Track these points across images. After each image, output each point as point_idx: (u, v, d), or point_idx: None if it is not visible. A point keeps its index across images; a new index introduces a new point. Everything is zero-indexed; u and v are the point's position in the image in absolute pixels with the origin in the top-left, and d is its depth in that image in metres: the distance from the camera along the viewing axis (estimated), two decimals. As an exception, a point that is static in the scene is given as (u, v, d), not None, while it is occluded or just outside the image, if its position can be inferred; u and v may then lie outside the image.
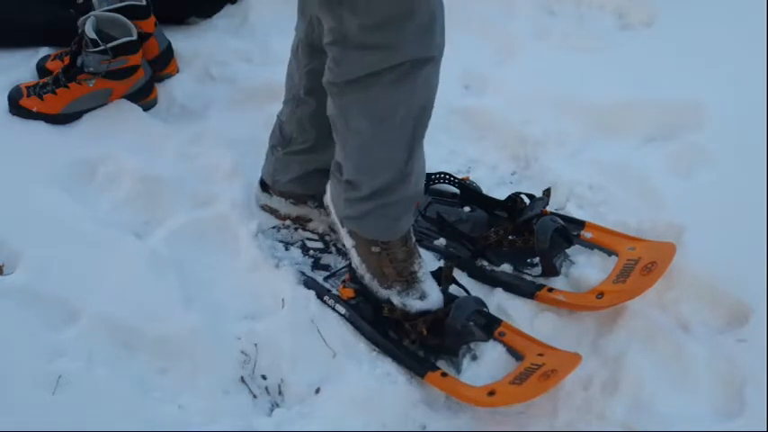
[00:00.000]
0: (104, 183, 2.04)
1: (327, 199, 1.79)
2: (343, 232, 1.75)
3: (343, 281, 1.76)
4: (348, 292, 1.73)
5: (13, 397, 1.53)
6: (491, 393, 1.53)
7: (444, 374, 1.60)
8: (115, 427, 1.51)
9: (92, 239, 1.85)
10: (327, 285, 1.80)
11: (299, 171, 1.88)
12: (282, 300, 1.75)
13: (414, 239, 1.73)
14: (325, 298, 1.76)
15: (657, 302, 1.70)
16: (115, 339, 1.66)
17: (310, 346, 1.67)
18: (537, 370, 1.55)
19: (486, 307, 1.70)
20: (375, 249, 1.69)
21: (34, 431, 1.48)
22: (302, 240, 1.92)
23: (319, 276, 1.82)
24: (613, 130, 2.17)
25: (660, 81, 2.26)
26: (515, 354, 1.63)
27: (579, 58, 2.40)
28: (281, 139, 1.89)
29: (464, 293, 1.72)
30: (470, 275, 1.82)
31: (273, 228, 1.94)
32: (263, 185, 1.96)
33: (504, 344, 1.64)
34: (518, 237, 1.82)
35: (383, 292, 1.69)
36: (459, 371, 1.62)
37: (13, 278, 1.75)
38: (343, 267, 1.82)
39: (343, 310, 1.73)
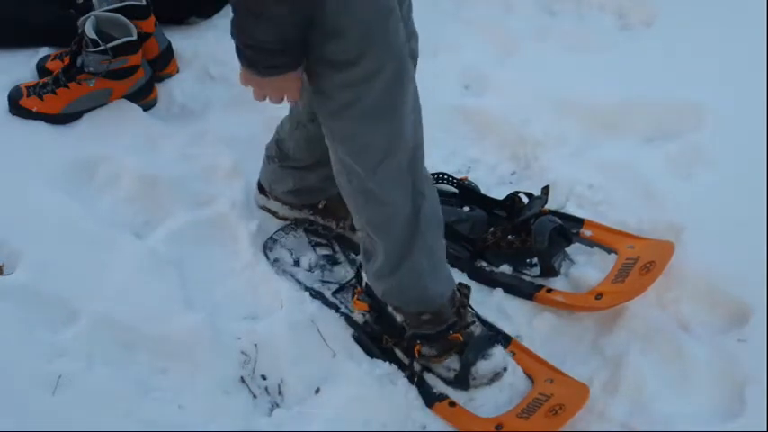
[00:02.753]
0: (104, 183, 2.04)
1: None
2: (390, 311, 1.65)
3: (356, 291, 1.72)
4: (362, 306, 1.69)
5: (13, 397, 1.53)
6: (498, 427, 1.52)
7: (452, 404, 1.58)
8: (115, 427, 1.51)
9: (92, 239, 1.85)
10: (336, 301, 1.78)
11: (293, 185, 1.88)
12: (281, 299, 1.75)
13: (460, 294, 1.65)
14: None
15: (657, 302, 1.70)
16: (115, 339, 1.66)
17: (310, 346, 1.67)
18: (545, 403, 1.54)
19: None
20: (426, 317, 1.61)
21: (34, 431, 1.48)
22: (311, 246, 1.90)
23: (327, 290, 1.80)
24: (613, 130, 2.17)
25: (660, 81, 2.26)
26: (525, 375, 1.62)
27: (579, 58, 2.40)
28: (277, 152, 1.87)
29: (479, 322, 1.68)
30: (470, 276, 1.82)
31: (280, 230, 1.92)
32: (261, 188, 1.96)
33: (515, 364, 1.63)
34: (516, 237, 1.82)
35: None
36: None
37: (13, 278, 1.75)
38: (351, 279, 1.79)
39: (351, 330, 1.71)
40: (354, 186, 1.52)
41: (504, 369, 1.60)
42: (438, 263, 1.61)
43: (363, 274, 1.68)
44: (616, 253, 1.80)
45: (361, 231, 1.60)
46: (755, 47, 2.30)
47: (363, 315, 1.70)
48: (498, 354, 1.60)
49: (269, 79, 1.47)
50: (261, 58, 1.43)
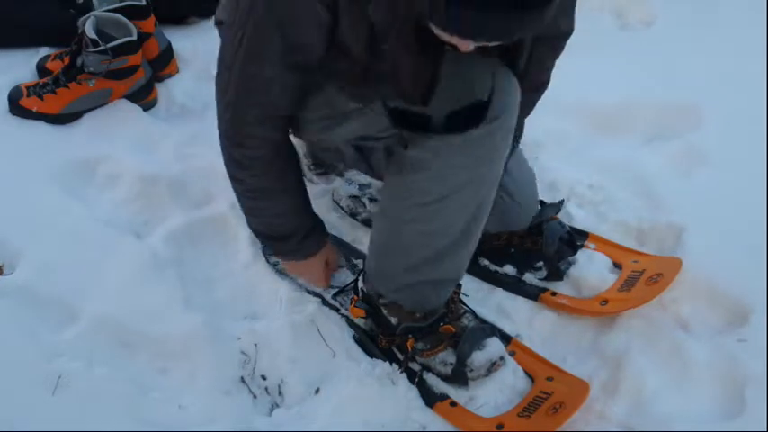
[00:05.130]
0: (104, 183, 2.04)
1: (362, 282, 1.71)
2: (384, 313, 1.65)
3: (352, 299, 1.72)
4: (359, 312, 1.69)
5: (13, 397, 1.53)
6: (499, 426, 1.52)
7: (453, 404, 1.58)
8: (115, 427, 1.51)
9: (92, 239, 1.85)
10: (336, 303, 1.77)
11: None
12: (281, 299, 1.75)
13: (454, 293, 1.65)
14: None
15: (657, 302, 1.70)
16: (115, 339, 1.66)
17: (310, 346, 1.67)
18: (545, 401, 1.54)
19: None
20: (419, 315, 1.62)
21: (34, 431, 1.48)
22: None
23: (327, 294, 1.79)
24: (613, 130, 2.17)
25: (660, 81, 2.26)
26: (525, 374, 1.62)
27: (579, 58, 2.39)
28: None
29: (472, 315, 1.68)
30: (470, 273, 1.81)
31: None
32: None
33: (515, 363, 1.63)
34: (526, 239, 1.81)
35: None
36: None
37: (13, 278, 1.75)
38: (351, 282, 1.78)
39: (351, 331, 1.71)
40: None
41: (501, 359, 1.59)
42: (453, 279, 1.63)
43: (360, 279, 1.69)
44: (620, 267, 1.79)
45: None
46: (755, 47, 2.30)
47: (362, 321, 1.70)
48: (493, 344, 1.59)
49: (293, 263, 1.72)
50: (269, 245, 1.71)
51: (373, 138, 1.53)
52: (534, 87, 1.66)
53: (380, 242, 1.61)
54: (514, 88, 1.45)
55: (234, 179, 1.60)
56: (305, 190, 1.64)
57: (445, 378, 1.61)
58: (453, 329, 1.61)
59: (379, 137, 1.52)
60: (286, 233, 1.64)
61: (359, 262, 1.82)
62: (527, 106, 1.68)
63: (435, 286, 1.60)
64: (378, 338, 1.67)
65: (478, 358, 1.57)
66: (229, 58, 1.46)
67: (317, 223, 1.69)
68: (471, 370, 1.58)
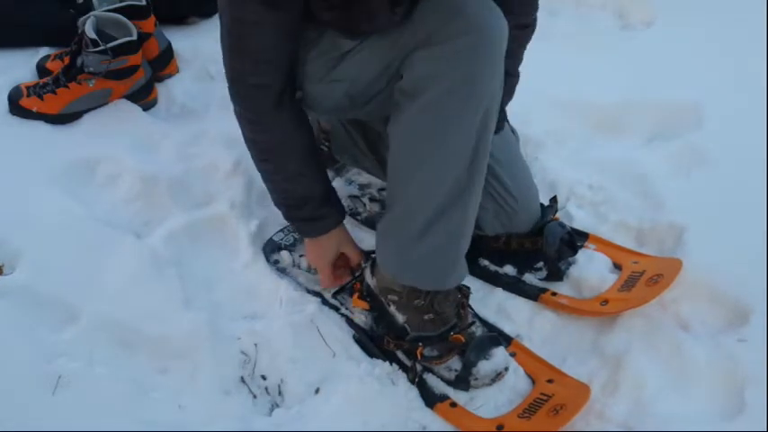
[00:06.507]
0: (104, 183, 2.03)
1: (368, 275, 1.70)
2: (392, 310, 1.64)
3: (355, 288, 1.71)
4: (362, 304, 1.68)
5: (13, 397, 1.53)
6: (500, 427, 1.52)
7: (453, 404, 1.58)
8: (115, 427, 1.51)
9: (92, 239, 1.85)
10: (336, 303, 1.76)
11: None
12: (281, 299, 1.75)
13: (460, 295, 1.65)
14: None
15: (657, 302, 1.69)
16: (115, 339, 1.66)
17: (310, 346, 1.67)
18: (546, 402, 1.54)
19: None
20: (428, 317, 1.61)
21: (34, 431, 1.48)
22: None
23: (328, 292, 1.78)
24: (613, 130, 2.17)
25: (660, 81, 2.27)
26: (526, 375, 1.62)
27: (580, 58, 2.40)
28: None
29: (479, 323, 1.69)
30: (472, 274, 1.81)
31: (280, 232, 1.91)
32: None
33: (516, 364, 1.63)
34: (526, 240, 1.81)
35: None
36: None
37: (13, 278, 1.75)
38: (351, 281, 1.77)
39: (351, 331, 1.71)
40: None
41: (506, 369, 1.60)
42: (467, 235, 1.58)
43: (367, 273, 1.68)
44: (620, 268, 1.79)
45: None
46: (755, 47, 2.30)
47: (364, 315, 1.70)
48: (500, 354, 1.59)
49: (309, 241, 1.71)
50: (289, 219, 1.69)
51: (370, 93, 1.54)
52: (519, 25, 1.63)
53: (390, 218, 1.57)
54: (495, 12, 1.44)
55: (247, 140, 1.61)
56: (318, 155, 1.63)
57: (447, 382, 1.61)
58: (464, 339, 1.61)
59: (375, 92, 1.53)
60: (300, 197, 1.62)
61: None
62: (519, 47, 1.71)
63: (449, 246, 1.55)
64: (384, 339, 1.66)
65: (484, 368, 1.58)
66: (220, 10, 1.49)
67: (334, 196, 1.67)
68: (476, 378, 1.58)
